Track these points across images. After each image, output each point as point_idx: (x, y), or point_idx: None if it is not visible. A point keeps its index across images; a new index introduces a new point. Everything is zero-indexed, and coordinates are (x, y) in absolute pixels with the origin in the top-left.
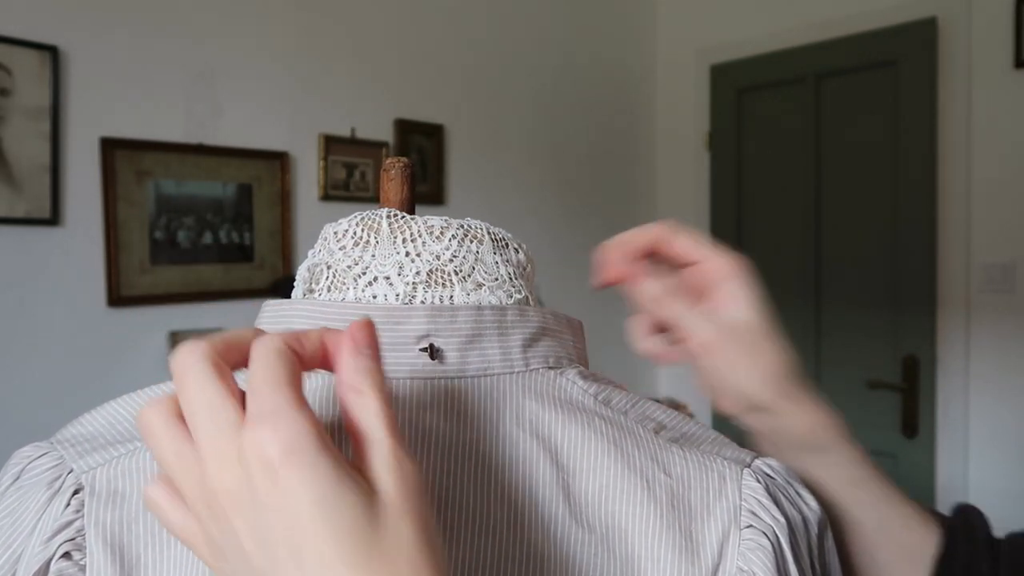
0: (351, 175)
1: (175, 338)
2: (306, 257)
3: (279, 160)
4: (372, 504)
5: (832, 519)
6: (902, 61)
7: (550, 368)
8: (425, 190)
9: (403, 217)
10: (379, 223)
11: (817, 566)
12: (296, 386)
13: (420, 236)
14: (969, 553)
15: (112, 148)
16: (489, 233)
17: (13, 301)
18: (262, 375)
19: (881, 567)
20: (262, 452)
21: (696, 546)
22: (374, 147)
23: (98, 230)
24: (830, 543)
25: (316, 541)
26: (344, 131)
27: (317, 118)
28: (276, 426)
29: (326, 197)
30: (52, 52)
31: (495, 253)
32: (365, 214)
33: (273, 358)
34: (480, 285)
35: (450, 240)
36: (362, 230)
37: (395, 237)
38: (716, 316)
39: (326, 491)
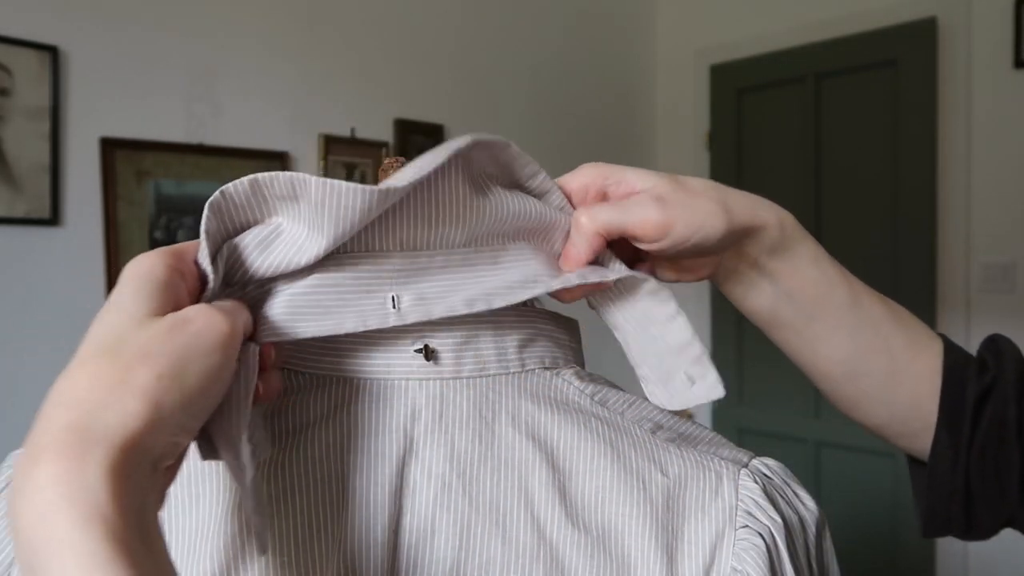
0: (351, 175)
1: None
2: None
3: (279, 160)
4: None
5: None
6: (902, 61)
7: (546, 368)
8: None
9: None
10: None
11: (815, 566)
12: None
13: None
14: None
15: (112, 148)
16: None
17: (13, 301)
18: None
19: (902, 407)
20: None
21: (688, 546)
22: (374, 147)
23: (98, 230)
24: (828, 544)
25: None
26: (344, 131)
27: (317, 118)
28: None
29: None
30: (52, 52)
31: None
32: None
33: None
34: None
35: None
36: None
37: None
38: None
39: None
